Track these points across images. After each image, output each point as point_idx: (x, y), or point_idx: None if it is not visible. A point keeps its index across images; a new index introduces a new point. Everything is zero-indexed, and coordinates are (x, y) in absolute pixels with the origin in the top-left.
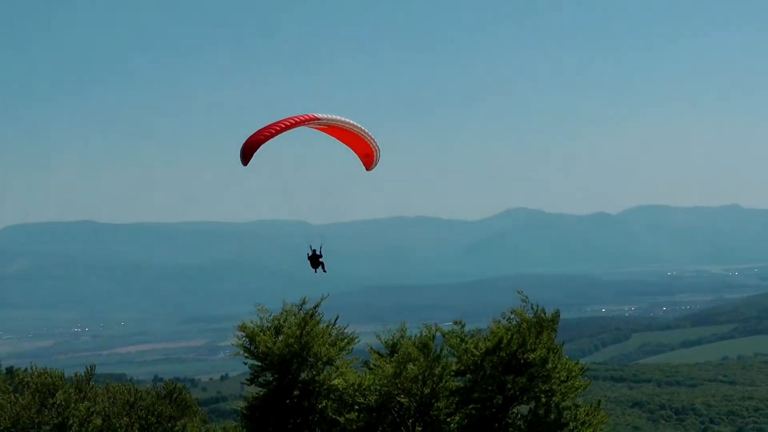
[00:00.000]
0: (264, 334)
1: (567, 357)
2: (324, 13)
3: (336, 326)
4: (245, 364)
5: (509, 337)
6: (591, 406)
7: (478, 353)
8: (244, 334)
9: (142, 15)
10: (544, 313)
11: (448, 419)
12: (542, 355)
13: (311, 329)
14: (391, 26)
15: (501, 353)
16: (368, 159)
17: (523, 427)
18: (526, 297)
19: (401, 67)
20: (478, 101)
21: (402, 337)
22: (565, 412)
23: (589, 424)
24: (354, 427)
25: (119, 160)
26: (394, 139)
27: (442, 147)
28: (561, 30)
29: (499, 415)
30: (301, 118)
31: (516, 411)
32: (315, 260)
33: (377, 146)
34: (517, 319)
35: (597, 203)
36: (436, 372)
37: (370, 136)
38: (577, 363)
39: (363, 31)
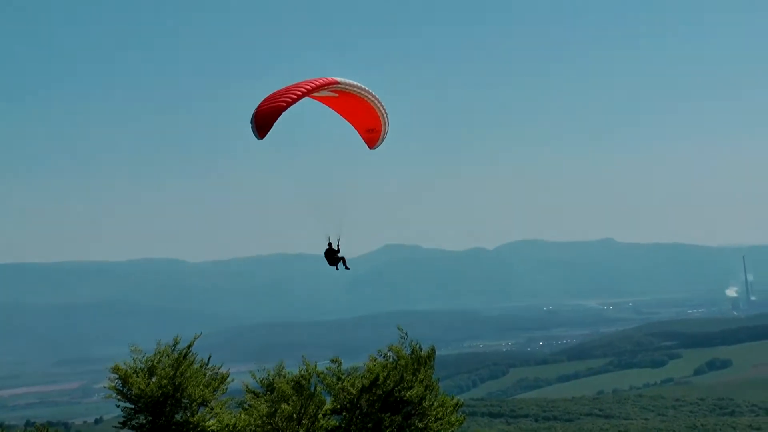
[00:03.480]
0: (137, 376)
1: (444, 393)
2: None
3: (210, 366)
4: (118, 407)
5: (386, 374)
6: None
7: (354, 391)
8: (117, 376)
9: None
10: (421, 350)
11: None
12: (419, 392)
13: (185, 370)
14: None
15: (377, 391)
16: (373, 135)
17: None
18: (405, 333)
19: None
20: (352, 136)
21: (278, 375)
22: None
23: None
24: None
25: None
26: (273, 177)
27: (319, 182)
28: (438, 58)
29: None
30: (322, 81)
31: None
32: (332, 255)
33: (387, 120)
34: (395, 356)
35: (474, 239)
36: (311, 411)
37: (383, 108)
38: (452, 398)
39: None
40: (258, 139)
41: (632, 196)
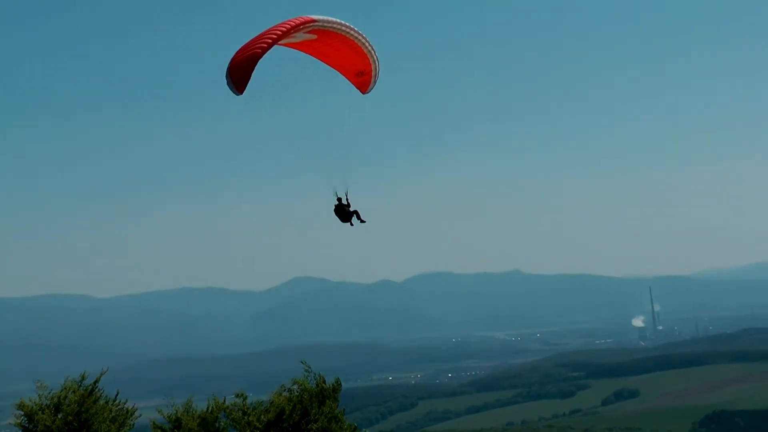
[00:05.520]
0: (43, 413)
1: (348, 423)
2: None
3: (116, 401)
4: None
5: (291, 407)
6: None
7: (260, 426)
8: (22, 413)
9: None
10: (325, 383)
11: None
12: (323, 425)
13: (91, 405)
14: None
15: (284, 425)
16: (364, 78)
17: None
18: (309, 367)
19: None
20: (259, 171)
21: (186, 411)
22: None
23: None
24: None
25: None
26: (178, 212)
27: (226, 217)
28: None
29: None
30: (298, 20)
31: None
32: (343, 211)
33: (377, 57)
34: (299, 389)
35: (382, 271)
36: None
37: (370, 45)
38: (355, 429)
39: None
40: (237, 94)
41: (538, 228)
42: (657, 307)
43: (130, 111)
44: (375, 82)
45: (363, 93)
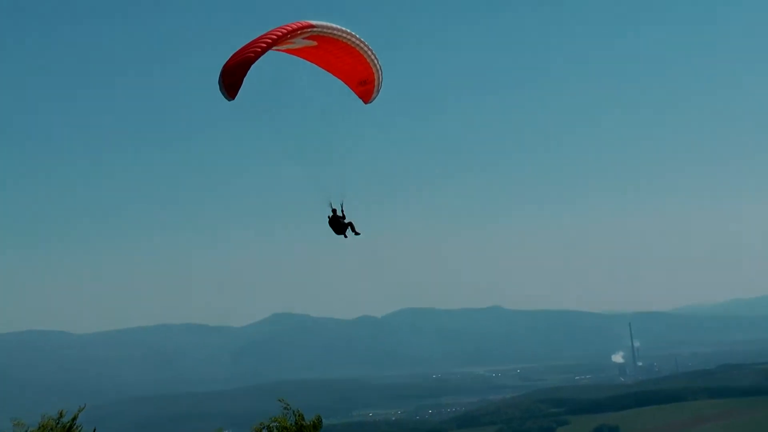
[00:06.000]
0: None
1: None
2: None
3: None
4: None
5: None
6: None
7: None
8: None
9: None
10: (304, 420)
11: None
12: None
13: None
14: None
15: None
16: (367, 87)
17: None
18: (287, 404)
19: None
20: (244, 207)
21: None
22: None
23: None
24: None
25: None
26: (156, 247)
27: (205, 252)
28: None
29: None
30: (295, 25)
31: None
32: (337, 223)
33: (380, 66)
34: (278, 426)
35: (362, 307)
36: None
37: (372, 53)
38: None
39: None
40: (228, 100)
41: (519, 264)
42: (636, 343)
43: (104, 145)
44: (378, 91)
45: (366, 103)
